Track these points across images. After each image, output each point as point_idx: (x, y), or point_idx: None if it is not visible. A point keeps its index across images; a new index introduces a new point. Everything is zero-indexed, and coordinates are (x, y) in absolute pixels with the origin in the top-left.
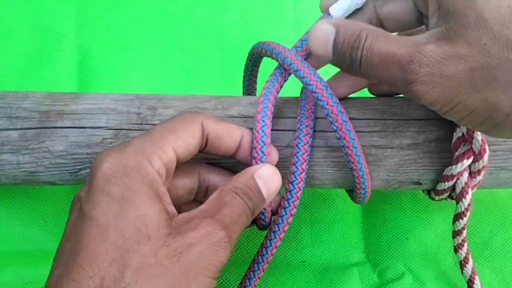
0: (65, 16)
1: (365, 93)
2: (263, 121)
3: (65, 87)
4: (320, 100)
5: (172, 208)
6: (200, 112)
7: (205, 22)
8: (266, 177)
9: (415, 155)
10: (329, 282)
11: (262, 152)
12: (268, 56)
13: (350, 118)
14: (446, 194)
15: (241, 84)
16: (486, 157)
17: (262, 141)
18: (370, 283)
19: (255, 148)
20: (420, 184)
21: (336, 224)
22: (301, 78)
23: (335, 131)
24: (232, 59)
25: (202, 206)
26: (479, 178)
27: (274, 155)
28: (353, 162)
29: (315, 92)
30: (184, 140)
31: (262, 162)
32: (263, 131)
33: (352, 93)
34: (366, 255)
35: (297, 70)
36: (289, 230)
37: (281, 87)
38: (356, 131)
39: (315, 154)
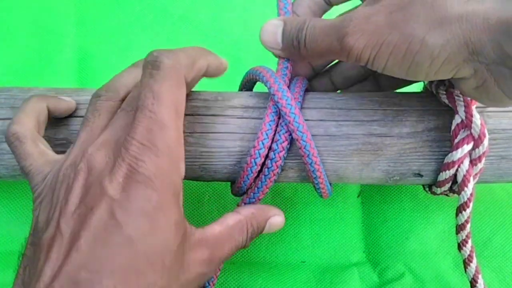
0: (65, 16)
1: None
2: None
3: (65, 86)
4: (282, 111)
5: (187, 226)
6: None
7: (205, 22)
8: (274, 225)
9: (415, 144)
10: (329, 282)
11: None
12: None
13: (349, 109)
14: (447, 185)
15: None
16: (486, 141)
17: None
18: (370, 283)
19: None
20: (421, 176)
21: (336, 224)
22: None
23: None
24: (232, 59)
25: (216, 230)
26: (480, 165)
27: None
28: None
29: (278, 102)
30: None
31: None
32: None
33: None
34: (366, 255)
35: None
36: (289, 230)
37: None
38: (355, 120)
39: (314, 143)
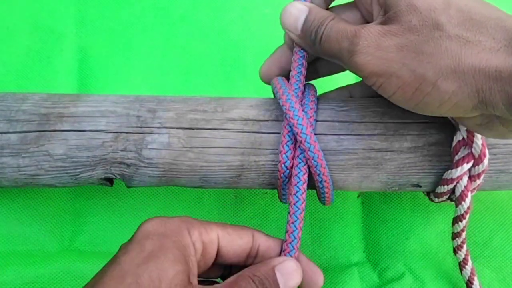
0: (65, 16)
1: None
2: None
3: (65, 87)
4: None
5: (194, 279)
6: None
7: (205, 22)
8: (286, 272)
9: (415, 158)
10: (329, 282)
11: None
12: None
13: (350, 121)
14: (445, 197)
15: (240, 84)
16: (486, 161)
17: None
18: (370, 283)
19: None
20: (420, 186)
21: (336, 224)
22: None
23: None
24: (232, 59)
25: (218, 285)
26: (478, 181)
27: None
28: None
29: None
30: (230, 235)
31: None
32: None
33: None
34: (366, 255)
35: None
36: None
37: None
38: (356, 134)
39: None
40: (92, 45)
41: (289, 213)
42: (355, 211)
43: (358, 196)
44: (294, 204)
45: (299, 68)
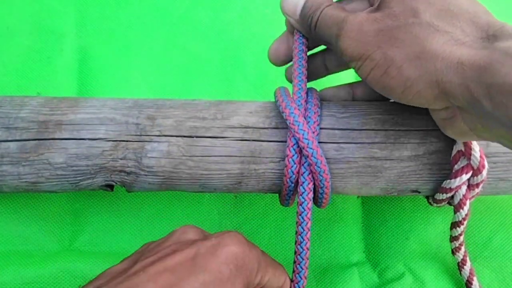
0: (65, 16)
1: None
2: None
3: (65, 87)
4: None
5: None
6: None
7: (205, 22)
8: None
9: (414, 167)
10: (329, 282)
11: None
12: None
13: (351, 129)
14: (444, 203)
15: (240, 84)
16: (484, 172)
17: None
18: (370, 283)
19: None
20: (419, 192)
21: (336, 224)
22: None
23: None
24: (232, 59)
25: None
26: (477, 190)
27: None
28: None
29: (291, 128)
30: (275, 278)
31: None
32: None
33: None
34: (366, 255)
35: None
36: (289, 230)
37: None
38: (356, 143)
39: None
40: (92, 45)
41: (296, 228)
42: (355, 211)
43: (358, 196)
44: (300, 215)
45: (300, 54)
